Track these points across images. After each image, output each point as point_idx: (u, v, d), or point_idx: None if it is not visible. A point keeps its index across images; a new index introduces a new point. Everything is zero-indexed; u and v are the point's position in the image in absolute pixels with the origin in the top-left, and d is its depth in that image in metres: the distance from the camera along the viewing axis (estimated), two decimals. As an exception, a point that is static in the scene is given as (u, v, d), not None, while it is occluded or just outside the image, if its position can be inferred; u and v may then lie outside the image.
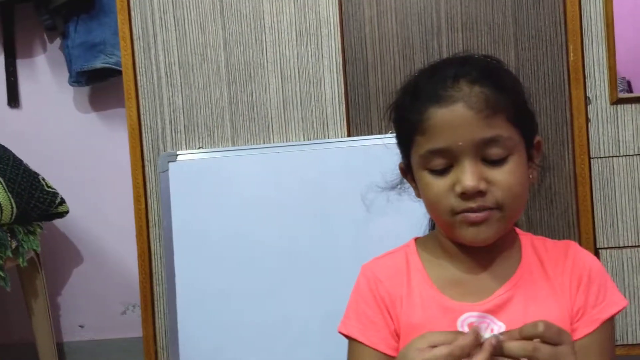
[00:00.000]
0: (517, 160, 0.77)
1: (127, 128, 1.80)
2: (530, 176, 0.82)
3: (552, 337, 0.63)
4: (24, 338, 2.22)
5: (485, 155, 0.76)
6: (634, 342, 1.69)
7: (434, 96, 0.77)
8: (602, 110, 1.71)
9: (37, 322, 2.03)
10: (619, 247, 1.70)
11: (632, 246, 1.70)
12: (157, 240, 1.79)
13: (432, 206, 0.80)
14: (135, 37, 1.79)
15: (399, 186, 0.92)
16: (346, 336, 0.85)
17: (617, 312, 0.81)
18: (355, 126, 1.75)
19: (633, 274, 1.69)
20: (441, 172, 0.78)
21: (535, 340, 0.64)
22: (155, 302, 1.80)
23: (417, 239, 0.90)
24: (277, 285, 1.69)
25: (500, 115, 0.76)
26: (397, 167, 0.90)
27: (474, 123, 0.75)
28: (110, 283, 2.32)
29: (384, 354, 0.81)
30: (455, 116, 0.75)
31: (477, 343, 0.63)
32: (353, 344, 0.84)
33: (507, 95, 0.77)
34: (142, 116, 1.79)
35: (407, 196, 0.91)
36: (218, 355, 1.69)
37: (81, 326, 2.35)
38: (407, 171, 0.86)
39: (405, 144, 0.84)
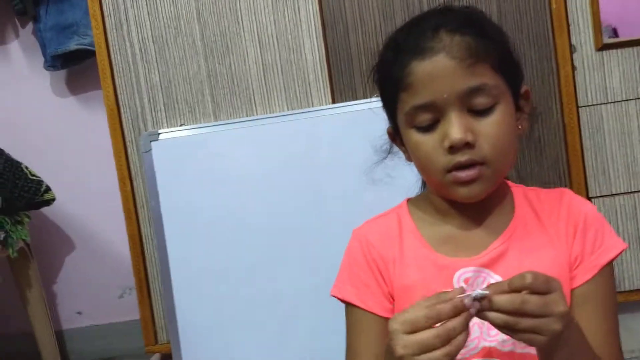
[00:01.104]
0: (504, 110, 0.75)
1: (105, 109, 1.76)
2: (520, 126, 0.81)
3: (540, 287, 0.62)
4: (21, 328, 2.21)
5: (471, 105, 0.74)
6: (632, 289, 1.70)
7: (414, 49, 0.75)
8: (587, 58, 1.69)
9: (34, 311, 2.02)
10: (612, 195, 1.70)
11: (624, 193, 1.70)
12: (147, 221, 1.77)
13: (422, 166, 0.79)
14: (106, 14, 1.74)
15: (388, 152, 0.91)
16: (341, 300, 0.84)
17: (616, 256, 0.80)
18: (340, 92, 1.72)
19: (627, 220, 1.69)
20: (428, 129, 0.76)
21: (523, 292, 0.63)
22: (151, 284, 1.79)
23: (408, 200, 0.89)
24: (269, 258, 1.68)
25: (483, 63, 0.74)
26: (386, 133, 0.88)
27: (457, 73, 0.73)
28: (104, 268, 2.31)
29: (380, 316, 0.81)
30: (437, 67, 0.73)
31: (461, 308, 0.62)
32: (349, 308, 0.84)
33: (490, 43, 0.76)
34: (119, 96, 1.75)
35: (399, 160, 0.89)
36: (216, 331, 1.69)
37: (79, 313, 2.34)
38: (395, 135, 0.85)
39: (390, 105, 0.82)
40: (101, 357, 2.27)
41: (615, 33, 1.73)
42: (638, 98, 1.68)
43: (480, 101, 0.74)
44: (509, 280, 0.63)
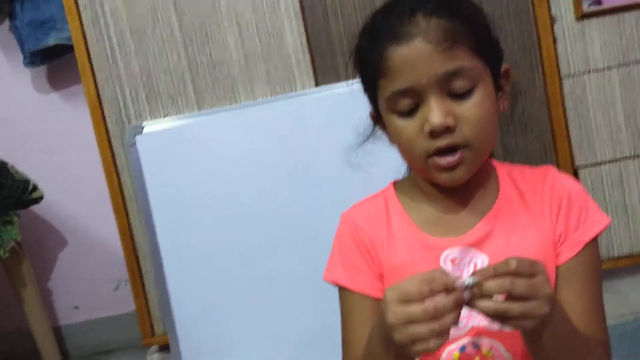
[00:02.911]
0: (483, 92, 0.75)
1: (87, 103, 1.74)
2: (501, 106, 0.81)
3: (525, 270, 0.62)
4: (18, 327, 2.21)
5: (451, 89, 0.74)
6: (620, 255, 1.72)
7: (390, 34, 0.75)
8: (568, 28, 1.69)
9: (30, 309, 2.02)
10: (597, 164, 1.71)
11: (609, 161, 1.71)
12: (137, 214, 1.77)
13: (404, 151, 0.79)
14: (81, 8, 1.71)
15: (371, 135, 0.90)
16: (333, 283, 0.85)
17: (600, 232, 0.81)
18: (323, 74, 1.71)
19: (612, 188, 1.71)
20: (409, 114, 0.76)
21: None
22: (144, 276, 1.80)
23: (395, 182, 0.89)
24: (260, 243, 1.68)
25: (461, 45, 0.74)
26: (368, 116, 0.88)
27: (435, 57, 0.73)
28: (98, 261, 2.31)
29: (372, 297, 0.81)
30: (415, 52, 0.73)
31: (452, 288, 0.63)
32: (342, 292, 0.84)
33: (468, 24, 0.75)
34: (100, 90, 1.74)
35: (382, 144, 0.89)
36: (211, 319, 1.71)
37: (76, 307, 2.35)
38: (377, 118, 0.85)
39: (370, 90, 0.82)
40: (99, 351, 2.28)
41: (599, 2, 1.72)
42: (619, 65, 1.69)
43: (459, 84, 0.74)
44: (493, 267, 0.63)
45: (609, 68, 1.69)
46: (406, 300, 0.63)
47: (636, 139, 1.70)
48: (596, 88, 1.70)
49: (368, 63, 0.79)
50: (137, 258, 1.79)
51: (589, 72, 1.69)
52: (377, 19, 0.79)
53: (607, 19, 1.67)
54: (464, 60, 0.74)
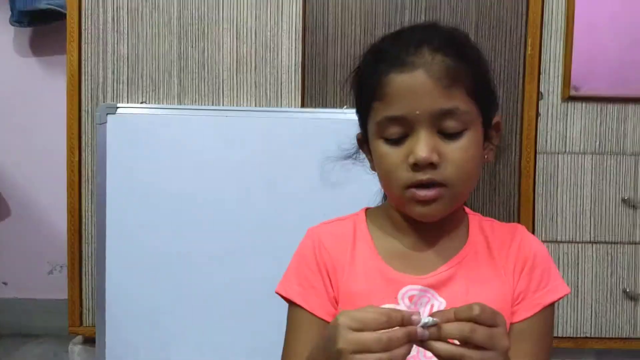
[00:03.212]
0: (472, 137, 0.76)
1: (66, 73, 1.69)
2: (486, 156, 0.82)
3: (487, 319, 0.61)
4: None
5: (441, 127, 0.74)
6: (564, 335, 1.73)
7: (395, 61, 0.75)
8: (552, 106, 1.73)
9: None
10: (557, 242, 1.73)
11: (569, 241, 1.74)
12: (89, 196, 1.71)
13: (384, 178, 0.79)
14: (82, -25, 1.68)
15: (353, 156, 0.90)
16: (285, 298, 0.83)
17: (558, 299, 0.81)
18: (310, 97, 1.71)
19: (568, 268, 1.73)
20: (396, 142, 0.76)
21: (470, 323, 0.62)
22: (83, 262, 1.73)
23: (367, 209, 0.89)
24: (212, 253, 1.64)
25: (459, 86, 0.74)
26: (353, 139, 0.88)
27: (433, 92, 0.73)
28: (38, 240, 2.24)
29: (321, 319, 0.80)
30: (415, 83, 0.73)
31: (408, 323, 0.61)
32: (293, 308, 0.82)
33: (469, 67, 0.76)
34: (83, 62, 1.69)
35: (361, 166, 0.88)
36: (144, 319, 1.64)
37: (4, 283, 2.26)
38: (363, 142, 0.84)
39: (363, 111, 0.81)
40: (22, 333, 2.18)
41: (575, 90, 1.77)
42: (595, 153, 1.73)
43: (451, 124, 0.74)
44: (455, 310, 0.62)
45: (584, 153, 1.73)
46: (359, 327, 0.61)
47: (598, 226, 1.73)
48: (568, 169, 1.73)
49: (367, 84, 0.79)
50: (80, 242, 1.72)
51: (565, 152, 1.73)
52: (385, 44, 0.79)
53: (591, 105, 1.72)
54: (460, 101, 0.74)
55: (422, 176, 0.74)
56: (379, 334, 0.60)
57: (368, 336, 0.60)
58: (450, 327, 0.61)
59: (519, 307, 0.79)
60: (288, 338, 0.82)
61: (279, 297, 0.84)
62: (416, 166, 0.73)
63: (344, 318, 0.62)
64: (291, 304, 0.82)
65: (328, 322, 0.78)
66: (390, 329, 0.61)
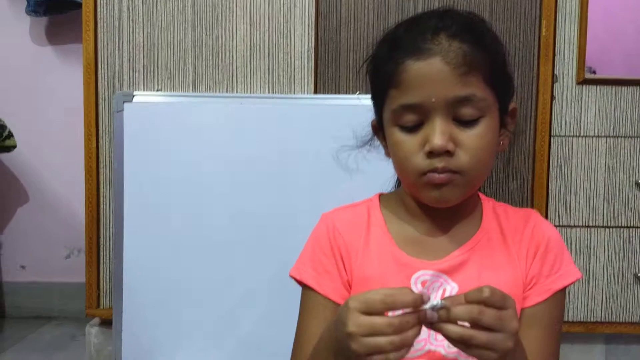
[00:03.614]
0: (488, 124, 0.76)
1: (83, 62, 1.71)
2: (501, 143, 0.81)
3: (496, 301, 0.62)
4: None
5: (457, 114, 0.74)
6: (574, 320, 1.74)
7: (412, 48, 0.75)
8: (567, 89, 1.72)
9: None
10: (570, 226, 1.73)
11: (582, 226, 1.74)
12: (107, 182, 1.73)
13: (400, 165, 0.79)
14: (97, -34, 1.69)
15: (369, 143, 0.90)
16: (299, 282, 0.84)
17: (570, 284, 0.82)
18: (323, 83, 1.71)
19: (580, 253, 1.73)
20: (411, 129, 0.76)
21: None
22: (101, 246, 1.76)
23: (381, 195, 0.89)
24: (229, 240, 1.66)
25: (476, 73, 0.74)
26: (367, 125, 0.88)
27: (449, 79, 0.73)
28: (56, 225, 2.27)
29: (335, 302, 0.80)
30: (431, 70, 0.73)
31: (419, 305, 0.62)
32: (306, 291, 0.83)
33: (486, 54, 0.75)
34: (99, 51, 1.71)
35: (376, 154, 0.89)
36: (161, 308, 1.67)
37: (22, 267, 2.30)
38: (378, 128, 0.84)
39: (379, 98, 0.81)
40: (40, 315, 2.23)
41: (593, 73, 1.77)
42: (609, 136, 1.72)
43: (467, 112, 0.74)
44: (466, 294, 0.63)
45: (599, 136, 1.72)
46: (370, 311, 0.62)
47: (611, 210, 1.73)
48: (583, 153, 1.73)
49: (383, 71, 0.79)
50: (98, 226, 1.75)
51: (579, 136, 1.72)
52: (400, 31, 0.79)
53: (605, 88, 1.71)
54: (477, 88, 0.74)
55: (438, 164, 0.74)
56: (390, 317, 0.61)
57: (379, 320, 0.61)
58: (459, 310, 0.62)
59: (531, 292, 0.80)
60: (301, 321, 0.83)
61: (294, 282, 0.85)
62: (432, 154, 0.74)
63: (353, 302, 0.63)
64: (305, 287, 0.83)
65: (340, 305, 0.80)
66: (401, 314, 0.62)
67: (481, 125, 0.75)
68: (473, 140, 0.74)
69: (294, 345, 0.83)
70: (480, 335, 0.61)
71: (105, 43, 1.71)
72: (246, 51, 1.71)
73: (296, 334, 0.83)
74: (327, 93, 1.70)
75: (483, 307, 0.61)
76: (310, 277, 0.82)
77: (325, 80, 1.71)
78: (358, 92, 1.67)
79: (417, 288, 0.79)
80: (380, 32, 0.83)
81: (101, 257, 1.76)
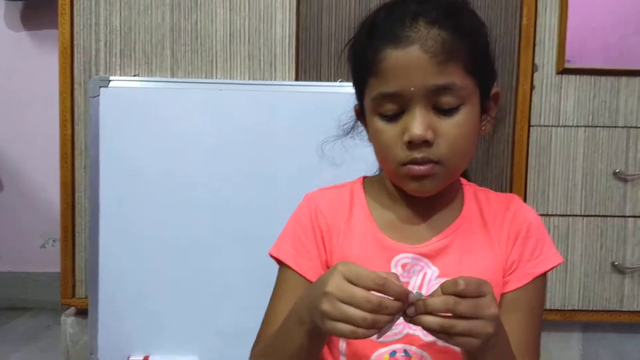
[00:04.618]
0: (468, 112, 0.75)
1: (59, 46, 1.67)
2: (483, 128, 0.81)
3: (472, 292, 0.62)
4: None
5: (437, 103, 0.73)
6: (552, 308, 1.75)
7: (390, 36, 0.73)
8: (547, 79, 1.73)
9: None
10: (548, 215, 1.75)
11: (560, 215, 1.75)
12: (83, 169, 1.70)
13: (380, 154, 0.79)
14: (72, -53, 1.65)
15: (352, 131, 0.90)
16: (277, 260, 0.83)
17: (551, 269, 0.82)
18: (305, 70, 1.70)
19: (558, 242, 1.74)
20: (391, 118, 0.75)
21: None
22: (77, 235, 1.72)
23: (365, 178, 0.89)
24: (208, 230, 1.64)
25: (455, 61, 0.73)
26: (350, 111, 0.87)
27: (428, 68, 0.72)
28: (31, 214, 2.24)
29: (310, 282, 0.80)
30: (409, 59, 0.72)
31: (403, 296, 0.62)
32: (283, 269, 0.83)
33: (467, 41, 0.74)
34: (75, 35, 1.67)
35: (360, 141, 0.88)
36: (138, 297, 1.65)
37: (-3, 256, 2.26)
38: (361, 113, 0.84)
39: (359, 85, 0.81)
40: (15, 306, 2.19)
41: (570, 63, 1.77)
42: (588, 126, 1.73)
43: (446, 100, 0.73)
44: (441, 285, 0.63)
45: (577, 126, 1.73)
46: (355, 282, 0.61)
47: (588, 200, 1.74)
48: (562, 142, 1.74)
49: (361, 59, 0.78)
50: (73, 214, 1.71)
51: (558, 125, 1.73)
52: (379, 17, 0.77)
53: (585, 78, 1.72)
54: (456, 77, 0.73)
55: (417, 154, 0.73)
56: (370, 294, 0.61)
57: (360, 292, 0.61)
58: (435, 301, 0.61)
59: (512, 277, 0.80)
60: (274, 297, 0.83)
61: (275, 272, 0.84)
62: (411, 144, 0.73)
63: (343, 267, 0.63)
64: (282, 265, 0.83)
65: None
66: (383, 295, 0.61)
67: (461, 114, 0.74)
68: (452, 130, 0.74)
69: (263, 320, 0.82)
70: (459, 324, 0.61)
71: (82, 27, 1.67)
72: (226, 36, 1.68)
73: (267, 310, 0.83)
74: (309, 80, 1.69)
75: (458, 298, 0.61)
76: (288, 256, 0.82)
77: (307, 67, 1.70)
78: (340, 79, 1.66)
79: (397, 271, 0.79)
80: (361, 18, 0.81)
81: (77, 246, 1.73)
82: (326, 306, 0.62)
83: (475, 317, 0.61)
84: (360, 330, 0.60)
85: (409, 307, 0.62)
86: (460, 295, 0.61)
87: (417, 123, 0.72)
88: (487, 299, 0.62)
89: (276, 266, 0.84)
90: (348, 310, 0.60)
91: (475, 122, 0.77)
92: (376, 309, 0.60)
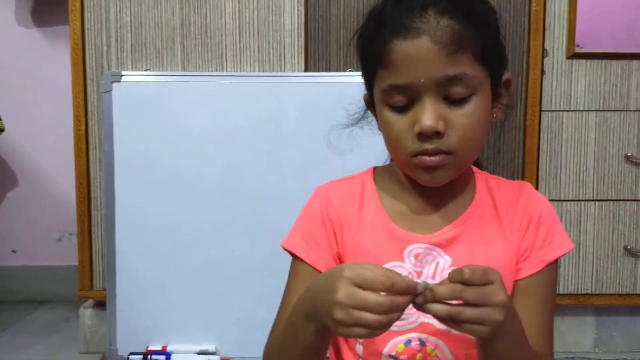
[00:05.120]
0: (479, 101, 0.74)
1: (70, 42, 1.69)
2: (494, 115, 0.80)
3: (478, 279, 0.62)
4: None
5: (447, 93, 0.73)
6: (565, 292, 1.76)
7: (398, 27, 0.73)
8: (557, 64, 1.72)
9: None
10: (560, 200, 1.75)
11: (572, 200, 1.75)
12: (97, 163, 1.72)
13: (391, 145, 0.79)
14: (84, -57, 1.66)
15: (361, 120, 0.89)
16: (289, 252, 0.84)
17: (563, 255, 0.82)
18: (314, 61, 1.70)
19: (570, 227, 1.75)
20: (401, 110, 0.75)
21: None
22: (93, 228, 1.75)
23: (375, 168, 0.89)
24: (221, 219, 1.66)
25: (466, 51, 0.72)
26: (359, 101, 0.87)
27: (438, 59, 0.71)
28: (46, 209, 2.26)
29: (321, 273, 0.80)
30: (419, 51, 0.71)
31: (411, 291, 0.63)
32: (295, 261, 0.84)
33: (477, 29, 0.73)
34: (86, 31, 1.69)
35: (369, 130, 0.88)
36: (155, 288, 1.67)
37: (14, 251, 2.29)
38: (371, 102, 0.83)
39: (368, 76, 0.80)
40: (33, 299, 2.22)
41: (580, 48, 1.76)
42: (599, 110, 1.73)
43: (457, 91, 0.72)
44: (449, 273, 0.63)
45: (589, 110, 1.73)
46: (365, 287, 0.62)
47: (600, 184, 1.74)
48: (573, 127, 1.73)
49: (370, 50, 0.77)
50: (89, 208, 1.74)
51: (569, 110, 1.73)
52: (387, 6, 0.76)
53: (595, 62, 1.71)
54: (467, 67, 0.72)
55: (428, 146, 0.73)
56: (382, 297, 0.61)
57: (371, 297, 0.61)
58: (442, 289, 0.62)
59: (524, 264, 0.80)
60: (287, 289, 0.83)
61: (288, 261, 0.85)
62: (421, 135, 0.73)
63: (349, 272, 0.63)
64: (294, 257, 0.83)
65: None
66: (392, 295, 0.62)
67: (472, 103, 0.74)
68: (463, 120, 0.73)
69: (278, 310, 0.83)
70: (466, 311, 0.62)
71: (92, 22, 1.69)
72: (235, 29, 1.69)
73: (281, 302, 0.84)
74: (318, 71, 1.69)
75: (465, 286, 0.62)
76: (299, 248, 0.82)
77: (316, 57, 1.70)
78: (349, 69, 1.66)
79: (410, 261, 0.79)
80: (369, 8, 0.80)
81: (93, 239, 1.76)
82: (339, 315, 0.62)
83: (483, 304, 0.62)
84: (376, 332, 0.62)
85: (417, 296, 0.63)
86: (466, 283, 0.62)
87: (428, 114, 0.72)
88: (494, 286, 0.63)
89: (289, 255, 0.85)
90: (363, 316, 0.61)
91: (486, 110, 0.77)
92: (389, 309, 0.61)
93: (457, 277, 0.62)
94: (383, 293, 0.62)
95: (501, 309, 0.62)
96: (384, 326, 0.62)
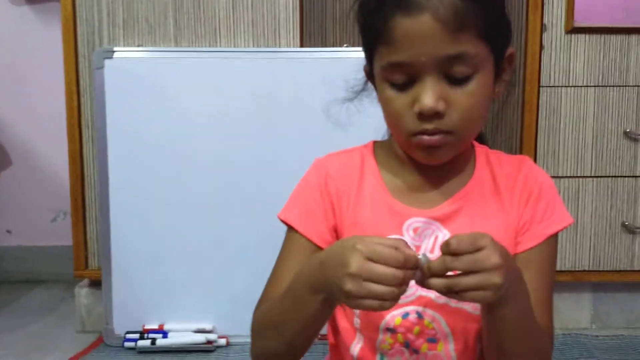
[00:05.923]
0: (481, 80, 0.73)
1: (61, 19, 1.66)
2: (496, 90, 0.79)
3: (465, 248, 0.62)
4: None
5: (449, 72, 0.71)
6: (562, 269, 1.76)
7: (400, 2, 0.70)
8: (556, 39, 1.70)
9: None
10: (558, 177, 1.74)
11: (570, 176, 1.74)
12: (90, 142, 1.70)
13: (391, 123, 0.78)
14: None
15: (361, 92, 0.88)
16: (284, 222, 0.83)
17: (562, 229, 0.82)
18: (309, 36, 1.68)
19: (568, 203, 1.74)
20: (402, 87, 0.73)
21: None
22: (87, 207, 1.74)
23: (375, 142, 0.88)
24: (216, 197, 1.65)
25: (469, 29, 0.70)
26: (357, 75, 0.86)
27: (440, 37, 0.69)
28: (40, 188, 2.25)
29: (316, 245, 0.80)
30: (421, 28, 0.69)
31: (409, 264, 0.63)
32: (290, 232, 0.83)
33: (481, 6, 0.71)
34: (77, 7, 1.66)
35: (369, 104, 0.87)
36: (151, 266, 1.67)
37: (9, 231, 2.28)
38: (371, 75, 0.82)
39: (368, 51, 0.79)
40: (27, 280, 2.22)
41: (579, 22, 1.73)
42: (598, 85, 1.71)
43: (459, 70, 0.71)
44: (440, 247, 0.64)
45: (587, 86, 1.71)
46: (377, 260, 0.62)
47: (599, 160, 1.73)
48: (571, 103, 1.72)
49: (370, 25, 0.75)
50: (82, 187, 1.72)
51: (568, 86, 1.71)
52: None
53: (594, 37, 1.69)
54: (469, 45, 0.71)
55: (428, 125, 0.72)
56: (396, 270, 0.61)
57: (386, 270, 0.61)
58: (435, 263, 0.63)
59: (523, 238, 0.80)
60: (279, 260, 0.83)
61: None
62: (421, 115, 0.71)
63: (362, 246, 0.62)
64: (289, 228, 0.83)
65: (321, 249, 0.79)
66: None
67: (474, 82, 0.72)
68: (465, 99, 0.72)
69: (268, 280, 0.82)
70: (462, 280, 0.62)
71: (83, -3, 1.66)
72: (228, 3, 1.66)
73: (272, 272, 0.83)
74: (314, 46, 1.67)
75: (454, 257, 0.62)
76: (295, 219, 0.81)
77: (312, 32, 1.68)
78: (346, 44, 1.64)
79: (409, 235, 0.79)
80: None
81: (87, 219, 1.75)
82: (351, 286, 0.61)
83: (477, 270, 0.62)
84: (387, 304, 0.62)
85: (415, 272, 0.64)
86: (454, 253, 0.62)
87: (428, 94, 0.70)
88: (485, 251, 0.62)
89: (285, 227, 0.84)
90: (376, 288, 0.61)
91: (488, 88, 0.75)
92: (403, 282, 0.62)
93: (445, 250, 0.62)
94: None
95: (497, 271, 0.62)
96: (394, 298, 0.62)
